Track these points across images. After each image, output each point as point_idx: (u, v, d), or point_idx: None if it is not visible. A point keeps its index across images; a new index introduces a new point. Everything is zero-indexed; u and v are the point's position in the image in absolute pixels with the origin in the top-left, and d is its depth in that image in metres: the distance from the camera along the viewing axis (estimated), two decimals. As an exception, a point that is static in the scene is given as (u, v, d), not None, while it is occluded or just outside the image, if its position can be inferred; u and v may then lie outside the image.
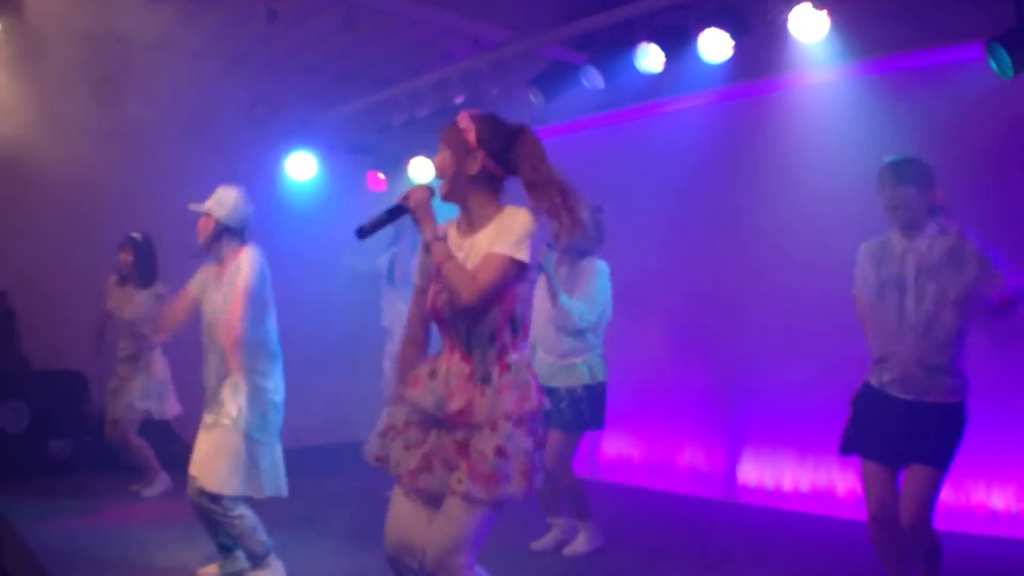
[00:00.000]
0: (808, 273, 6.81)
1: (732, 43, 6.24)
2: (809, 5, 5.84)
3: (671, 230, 7.74)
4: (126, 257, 7.28)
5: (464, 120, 3.33)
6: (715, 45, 6.27)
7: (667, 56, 6.52)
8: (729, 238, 7.42)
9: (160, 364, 7.26)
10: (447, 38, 8.25)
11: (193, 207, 5.14)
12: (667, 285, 7.76)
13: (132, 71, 8.54)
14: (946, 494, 6.18)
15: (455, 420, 3.16)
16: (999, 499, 5.96)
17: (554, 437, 5.40)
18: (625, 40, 6.69)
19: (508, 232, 3.17)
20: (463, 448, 3.14)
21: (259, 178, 9.32)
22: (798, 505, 6.91)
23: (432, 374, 3.26)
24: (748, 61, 6.60)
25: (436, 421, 3.21)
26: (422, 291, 3.41)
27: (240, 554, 5.04)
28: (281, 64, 9.26)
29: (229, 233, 5.15)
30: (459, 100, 7.71)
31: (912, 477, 4.13)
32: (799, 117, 6.95)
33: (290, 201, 9.48)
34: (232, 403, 4.85)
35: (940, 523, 6.08)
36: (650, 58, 6.58)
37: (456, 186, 3.30)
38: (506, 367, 3.20)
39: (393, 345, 7.23)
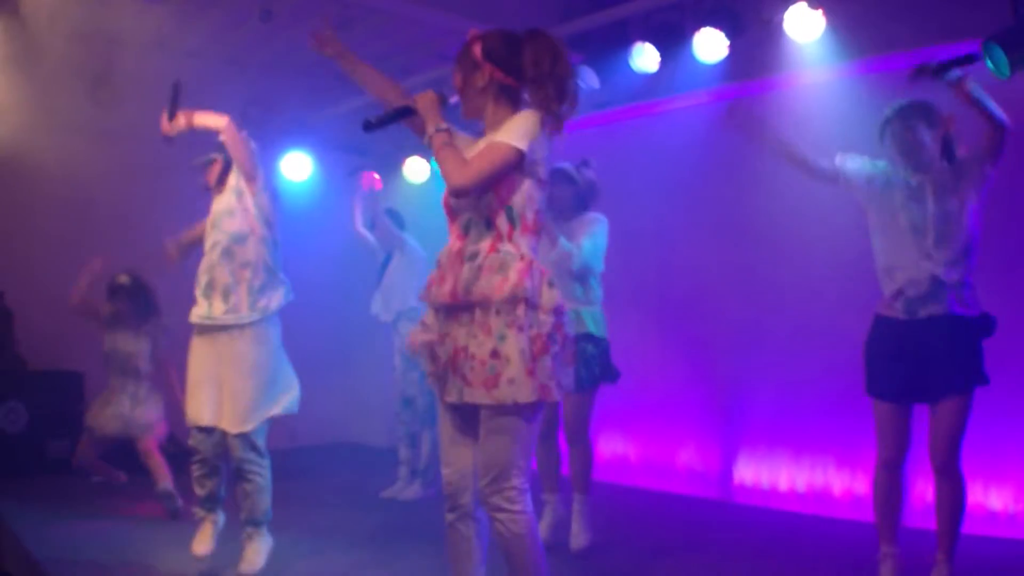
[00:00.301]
0: (805, 273, 6.81)
1: (727, 43, 6.25)
2: (804, 4, 5.85)
3: (665, 230, 7.74)
4: (119, 306, 6.90)
5: (472, 37, 3.48)
6: (710, 45, 6.28)
7: (662, 56, 6.53)
8: (724, 238, 7.41)
9: (154, 398, 6.90)
10: (443, 38, 8.24)
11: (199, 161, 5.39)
12: (663, 284, 7.76)
13: (127, 71, 8.54)
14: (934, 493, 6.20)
15: (446, 301, 3.25)
16: (997, 499, 5.96)
17: (570, 399, 5.43)
18: (620, 40, 6.70)
19: (511, 124, 3.28)
20: (464, 352, 3.20)
21: (255, 178, 9.33)
22: (795, 505, 6.91)
23: (437, 264, 3.38)
24: (743, 61, 6.59)
25: (445, 318, 3.31)
26: None
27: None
28: (276, 64, 9.25)
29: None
30: (454, 100, 7.69)
31: (943, 413, 4.29)
32: (795, 117, 6.91)
33: (285, 201, 9.46)
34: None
35: (929, 522, 6.08)
36: (645, 58, 6.59)
37: (470, 100, 3.44)
38: (495, 250, 3.25)
39: (400, 340, 7.27)
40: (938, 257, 4.31)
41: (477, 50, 3.42)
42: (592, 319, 5.53)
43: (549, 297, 3.25)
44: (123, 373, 6.87)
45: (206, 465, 5.11)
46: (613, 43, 6.75)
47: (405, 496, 7.17)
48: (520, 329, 3.15)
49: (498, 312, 3.16)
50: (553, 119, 3.34)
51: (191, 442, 5.11)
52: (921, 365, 4.32)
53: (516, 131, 3.23)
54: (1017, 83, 5.36)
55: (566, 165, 5.65)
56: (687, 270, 7.70)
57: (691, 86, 7.13)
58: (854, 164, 4.65)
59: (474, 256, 3.24)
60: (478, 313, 3.20)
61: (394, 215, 7.61)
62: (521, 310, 3.17)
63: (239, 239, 5.10)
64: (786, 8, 5.91)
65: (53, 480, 7.48)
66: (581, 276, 5.51)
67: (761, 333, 7.11)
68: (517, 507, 3.18)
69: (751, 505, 7.13)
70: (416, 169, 9.25)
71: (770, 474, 7.10)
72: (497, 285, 3.17)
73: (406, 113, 3.40)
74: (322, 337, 9.26)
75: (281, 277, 5.23)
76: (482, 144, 3.33)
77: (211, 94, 8.89)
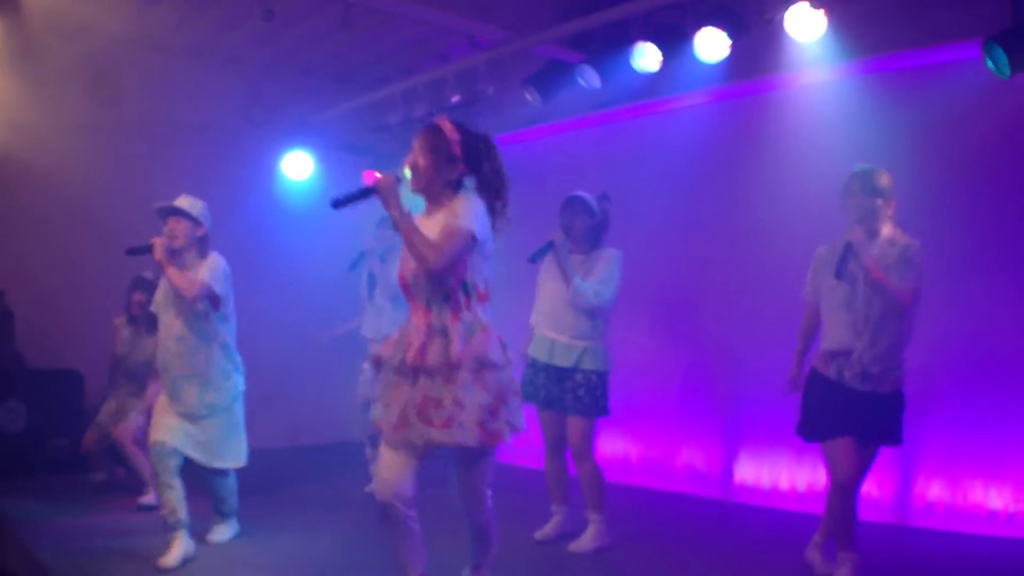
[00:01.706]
0: (805, 272, 6.80)
1: (729, 42, 6.24)
2: (806, 4, 5.83)
3: (666, 229, 7.74)
4: (138, 298, 6.97)
5: (450, 131, 3.87)
6: (712, 44, 6.27)
7: (664, 55, 6.52)
8: (725, 237, 7.41)
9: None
10: (443, 38, 8.26)
11: (183, 204, 5.38)
12: (664, 284, 7.75)
13: (129, 70, 8.54)
14: (944, 493, 6.20)
15: (413, 364, 3.73)
16: (996, 499, 5.96)
17: (576, 423, 5.63)
18: (621, 39, 6.69)
19: (462, 209, 3.75)
20: (433, 400, 3.70)
21: (256, 177, 9.35)
22: (795, 504, 6.91)
23: (401, 334, 3.89)
24: (745, 60, 6.59)
25: (406, 375, 3.79)
26: None
27: (184, 533, 5.29)
28: (278, 64, 9.27)
29: (202, 242, 5.43)
30: (455, 99, 7.71)
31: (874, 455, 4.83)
32: (796, 116, 6.95)
33: (286, 200, 9.49)
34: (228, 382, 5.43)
35: (938, 522, 6.12)
36: (646, 57, 6.58)
37: (432, 186, 3.87)
38: (459, 320, 3.76)
39: (375, 346, 7.20)
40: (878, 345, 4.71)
41: (456, 149, 3.85)
42: (595, 355, 5.67)
43: (505, 356, 3.86)
44: (135, 379, 6.97)
45: None
46: (614, 42, 6.74)
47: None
48: (484, 387, 3.74)
49: (459, 365, 3.71)
50: (494, 214, 3.90)
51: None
52: (859, 416, 4.81)
53: (469, 216, 3.72)
54: (1014, 82, 5.39)
55: (586, 195, 5.70)
56: (688, 269, 7.71)
57: (692, 86, 7.13)
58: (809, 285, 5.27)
59: (442, 330, 3.75)
60: (444, 372, 3.72)
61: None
62: (487, 371, 3.76)
63: None
64: (787, 8, 5.90)
65: (53, 478, 7.46)
66: (592, 312, 5.62)
67: (762, 332, 7.10)
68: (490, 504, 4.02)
69: (751, 504, 7.13)
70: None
71: (771, 473, 7.10)
72: (464, 349, 3.71)
73: (369, 193, 3.76)
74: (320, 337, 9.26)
75: None
76: (434, 224, 3.80)
77: (212, 93, 8.96)
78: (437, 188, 3.87)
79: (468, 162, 3.87)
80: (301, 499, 7.11)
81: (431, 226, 3.81)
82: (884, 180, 4.70)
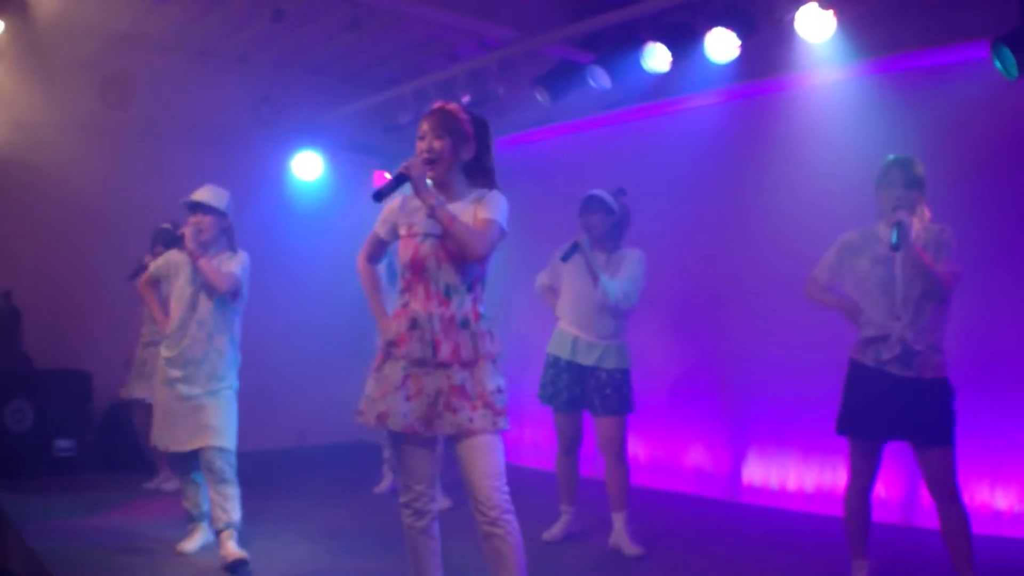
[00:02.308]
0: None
1: (739, 43, 6.23)
2: (816, 5, 5.83)
3: (676, 229, 7.72)
4: (160, 252, 6.57)
5: (458, 110, 3.80)
6: (722, 45, 6.26)
7: (674, 56, 6.52)
8: (735, 237, 7.41)
9: None
10: (453, 37, 8.26)
11: (207, 196, 5.32)
12: (673, 284, 7.73)
13: (137, 71, 8.56)
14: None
15: (447, 361, 3.63)
16: (1002, 499, 5.95)
17: (607, 423, 5.66)
18: (632, 40, 6.69)
19: (494, 206, 3.72)
20: (460, 390, 3.63)
21: (265, 177, 9.36)
22: (803, 505, 6.90)
23: (414, 324, 3.70)
24: (755, 61, 6.59)
25: (429, 368, 3.66)
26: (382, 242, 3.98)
27: (206, 525, 5.46)
28: (287, 63, 9.28)
29: (229, 232, 5.41)
30: (465, 99, 7.70)
31: (933, 460, 4.42)
32: (805, 116, 6.94)
33: (296, 200, 9.50)
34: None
35: (938, 523, 6.10)
36: (657, 58, 6.58)
37: (449, 168, 3.76)
38: (479, 315, 3.73)
39: None
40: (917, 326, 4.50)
41: (469, 127, 3.79)
42: (618, 353, 5.72)
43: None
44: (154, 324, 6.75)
45: None
46: (624, 43, 6.73)
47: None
48: (499, 373, 3.75)
49: (487, 358, 3.70)
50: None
51: None
52: (896, 410, 4.54)
53: (503, 212, 3.72)
54: (1023, 83, 5.37)
55: (602, 193, 5.72)
56: (697, 269, 7.70)
57: (702, 86, 7.13)
58: (823, 267, 5.01)
59: (466, 324, 3.69)
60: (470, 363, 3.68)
61: None
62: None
63: None
64: (797, 8, 5.90)
65: (58, 479, 7.47)
66: (616, 312, 5.66)
67: (770, 333, 7.10)
68: (511, 509, 3.66)
69: (759, 505, 7.12)
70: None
71: (778, 474, 7.09)
72: (490, 345, 3.72)
73: (403, 180, 3.66)
74: (329, 335, 9.27)
75: None
76: (465, 215, 3.71)
77: (221, 94, 8.97)
78: (452, 172, 3.77)
79: (478, 140, 3.82)
80: (312, 498, 7.12)
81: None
82: (920, 170, 4.56)
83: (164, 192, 7.80)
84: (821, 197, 6.77)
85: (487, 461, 3.60)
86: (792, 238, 6.93)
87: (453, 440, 3.66)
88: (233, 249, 5.37)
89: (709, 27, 6.23)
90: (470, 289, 3.72)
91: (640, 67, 6.66)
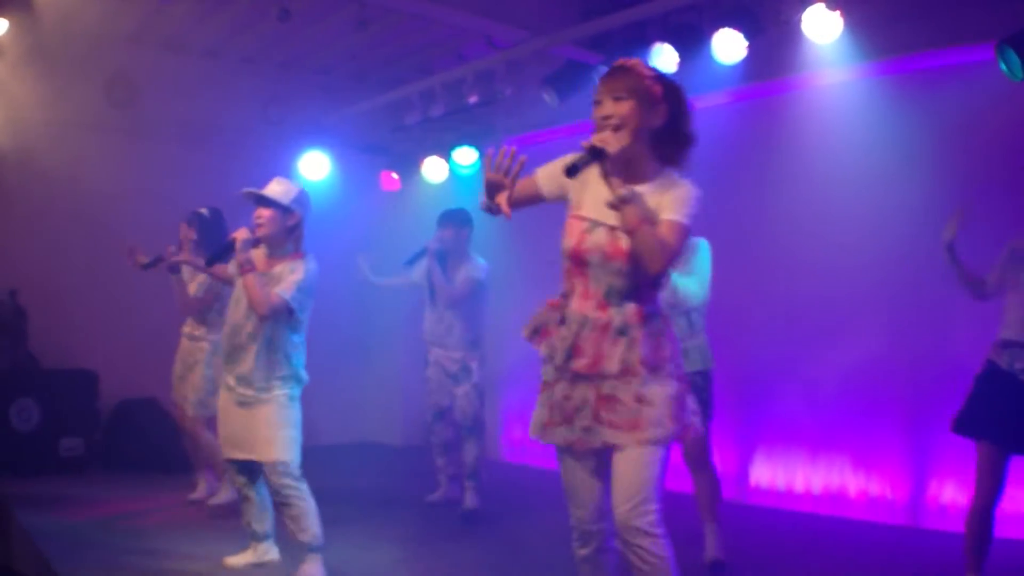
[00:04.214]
0: (822, 275, 6.80)
1: (746, 43, 6.22)
2: (823, 6, 5.82)
3: (683, 231, 7.71)
4: (188, 234, 6.46)
5: (648, 70, 3.21)
6: (729, 45, 6.25)
7: (681, 56, 6.50)
8: (741, 238, 7.37)
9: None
10: (461, 37, 8.26)
11: (274, 190, 5.01)
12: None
13: (144, 70, 8.57)
14: (949, 494, 6.18)
15: (587, 373, 3.14)
16: (1009, 501, 5.92)
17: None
18: (639, 40, 6.68)
19: (681, 201, 3.20)
20: (609, 400, 3.13)
21: (272, 177, 9.29)
22: (810, 506, 6.89)
23: (562, 320, 3.24)
24: (762, 61, 6.58)
25: (565, 374, 3.20)
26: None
27: (269, 544, 5.12)
28: (294, 63, 9.28)
29: (296, 231, 4.99)
30: (473, 100, 7.71)
31: None
32: (812, 117, 6.93)
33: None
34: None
35: (944, 524, 6.10)
36: (664, 58, 6.56)
37: (636, 139, 3.16)
38: (643, 318, 3.15)
39: (437, 351, 6.92)
40: None
41: (658, 88, 3.18)
42: (700, 354, 5.29)
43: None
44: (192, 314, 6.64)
45: None
46: (631, 44, 6.71)
47: (467, 505, 6.86)
48: (669, 378, 3.18)
49: (643, 364, 3.15)
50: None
51: None
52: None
53: (693, 211, 3.22)
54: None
55: None
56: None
57: (709, 87, 7.09)
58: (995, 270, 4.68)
59: (623, 331, 3.15)
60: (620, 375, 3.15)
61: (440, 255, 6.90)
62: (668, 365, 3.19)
63: None
64: (804, 9, 5.89)
65: (65, 478, 7.48)
66: (687, 311, 5.25)
67: (777, 334, 7.10)
68: (659, 530, 3.11)
69: (766, 506, 7.11)
70: (435, 169, 9.19)
71: (786, 475, 7.08)
72: (650, 352, 3.15)
73: (599, 155, 3.04)
74: (339, 337, 9.27)
75: None
76: (647, 203, 3.15)
77: (228, 94, 8.98)
78: (637, 143, 3.16)
79: (669, 104, 3.20)
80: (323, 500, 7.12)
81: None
82: None
83: (171, 192, 7.84)
84: (828, 198, 6.76)
85: (629, 486, 3.14)
86: (798, 238, 6.94)
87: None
88: (299, 253, 4.92)
89: (716, 28, 6.23)
90: (636, 292, 3.17)
91: (647, 68, 6.65)
